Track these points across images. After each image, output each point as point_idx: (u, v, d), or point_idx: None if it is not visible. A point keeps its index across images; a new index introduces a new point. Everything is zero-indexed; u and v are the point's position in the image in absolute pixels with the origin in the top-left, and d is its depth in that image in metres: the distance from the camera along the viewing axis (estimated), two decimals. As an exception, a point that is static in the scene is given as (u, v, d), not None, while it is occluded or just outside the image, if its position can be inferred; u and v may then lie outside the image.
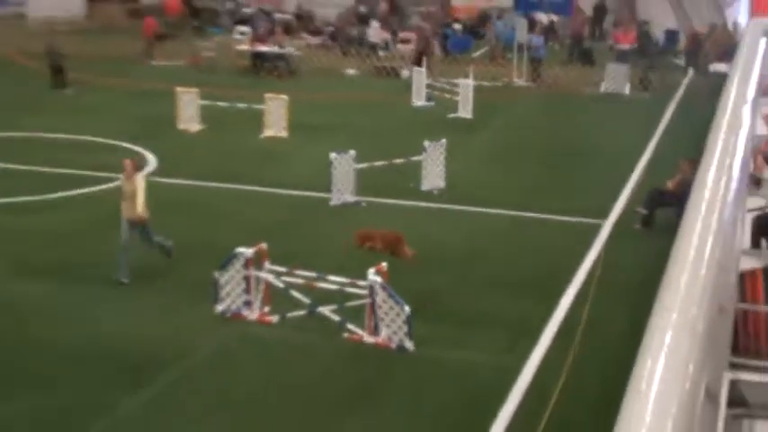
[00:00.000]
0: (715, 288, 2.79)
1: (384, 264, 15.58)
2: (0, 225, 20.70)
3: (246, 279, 16.11)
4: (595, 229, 20.79)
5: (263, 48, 40.47)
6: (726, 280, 3.00)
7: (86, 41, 42.41)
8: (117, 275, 17.56)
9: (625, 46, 41.66)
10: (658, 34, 42.79)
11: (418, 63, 36.76)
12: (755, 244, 14.28)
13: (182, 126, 29.35)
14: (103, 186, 23.68)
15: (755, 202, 15.55)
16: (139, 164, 18.71)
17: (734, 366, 3.77)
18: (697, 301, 2.22)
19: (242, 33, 43.97)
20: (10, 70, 38.94)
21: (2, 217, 21.20)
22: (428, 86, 33.95)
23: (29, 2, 50.15)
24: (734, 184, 2.72)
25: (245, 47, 41.36)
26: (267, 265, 16.24)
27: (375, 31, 45.11)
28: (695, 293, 2.22)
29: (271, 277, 16.17)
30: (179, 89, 30.10)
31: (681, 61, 41.88)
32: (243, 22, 46.63)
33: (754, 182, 17.00)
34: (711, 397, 3.13)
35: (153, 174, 24.76)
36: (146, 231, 17.99)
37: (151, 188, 23.57)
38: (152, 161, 25.76)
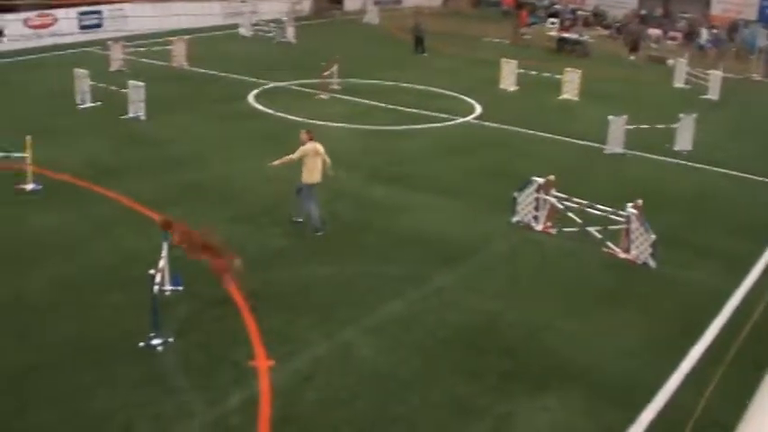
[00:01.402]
0: None
1: (640, 201, 14.95)
2: (368, 145, 21.33)
3: (537, 200, 15.91)
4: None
5: (567, 35, 39.89)
6: None
7: (440, 22, 42.83)
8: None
9: None
10: None
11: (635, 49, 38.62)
12: None
13: (502, 86, 29.13)
14: (442, 124, 23.94)
15: None
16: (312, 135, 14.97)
17: None
18: None
19: (552, 23, 43.35)
20: (388, 40, 39.91)
21: (369, 139, 21.84)
22: (687, 73, 32.21)
23: (403, -1, 52.25)
24: None
25: (553, 33, 40.67)
26: (553, 191, 15.97)
27: (651, 29, 43.33)
28: None
29: (554, 201, 15.90)
30: (503, 59, 29.85)
31: None
32: (554, 15, 45.88)
33: None
34: None
35: (477, 118, 24.87)
36: (300, 193, 15.02)
37: (476, 128, 23.84)
38: (478, 109, 25.74)
